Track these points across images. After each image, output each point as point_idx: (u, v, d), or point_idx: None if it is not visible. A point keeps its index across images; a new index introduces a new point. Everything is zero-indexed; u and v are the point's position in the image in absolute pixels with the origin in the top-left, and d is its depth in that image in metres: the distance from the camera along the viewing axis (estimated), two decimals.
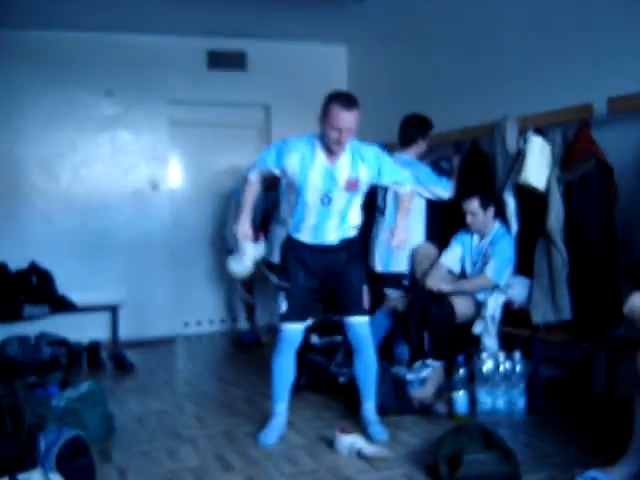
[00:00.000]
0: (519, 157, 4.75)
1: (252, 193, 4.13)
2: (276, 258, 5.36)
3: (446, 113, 6.04)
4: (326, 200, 3.92)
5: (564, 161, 4.53)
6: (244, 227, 4.06)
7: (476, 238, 5.02)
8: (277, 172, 3.99)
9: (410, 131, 5.38)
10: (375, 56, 7.71)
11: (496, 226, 4.93)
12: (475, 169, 5.41)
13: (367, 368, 4.21)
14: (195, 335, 7.81)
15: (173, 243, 7.66)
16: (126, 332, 7.22)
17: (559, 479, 3.41)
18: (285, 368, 4.13)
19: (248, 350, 6.76)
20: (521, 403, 4.44)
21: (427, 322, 4.77)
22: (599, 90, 4.54)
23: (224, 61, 7.72)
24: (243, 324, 7.72)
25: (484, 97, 5.81)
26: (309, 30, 7.43)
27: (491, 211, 4.89)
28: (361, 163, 3.92)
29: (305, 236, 4.05)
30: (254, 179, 4.10)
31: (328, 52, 8.10)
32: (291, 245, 4.12)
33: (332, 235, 4.03)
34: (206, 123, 7.82)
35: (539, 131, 4.84)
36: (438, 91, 6.44)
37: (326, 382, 4.97)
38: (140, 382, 5.70)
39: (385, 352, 5.38)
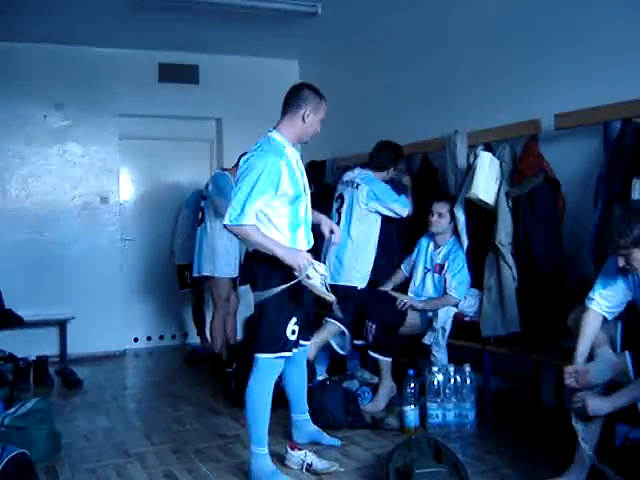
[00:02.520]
0: (469, 172, 4.81)
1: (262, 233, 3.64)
2: None
3: (397, 128, 6.09)
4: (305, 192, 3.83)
5: (513, 176, 4.59)
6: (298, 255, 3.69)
7: (432, 245, 5.06)
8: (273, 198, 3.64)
9: (383, 156, 5.36)
10: (327, 71, 7.74)
11: (452, 240, 4.99)
12: (426, 184, 5.46)
13: (305, 379, 4.26)
14: (145, 350, 7.72)
15: (123, 257, 7.58)
16: (75, 348, 7.11)
17: None
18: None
19: (198, 366, 6.69)
20: (471, 416, 4.47)
21: (378, 313, 4.84)
22: (546, 106, 4.62)
23: (176, 74, 7.68)
24: (194, 339, 7.65)
25: (435, 112, 5.87)
26: (261, 44, 7.43)
27: (453, 223, 4.95)
28: None
29: (303, 244, 3.84)
30: (253, 221, 3.60)
31: (280, 66, 8.11)
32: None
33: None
34: (157, 136, 7.77)
35: (488, 146, 4.92)
36: (389, 106, 6.49)
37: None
38: (88, 399, 5.61)
39: (335, 367, 5.39)
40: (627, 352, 3.32)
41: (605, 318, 3.45)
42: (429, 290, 5.05)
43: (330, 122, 4.00)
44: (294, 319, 3.67)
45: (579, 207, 4.48)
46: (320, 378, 5.05)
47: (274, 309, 3.64)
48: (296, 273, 3.64)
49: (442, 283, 4.96)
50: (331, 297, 3.81)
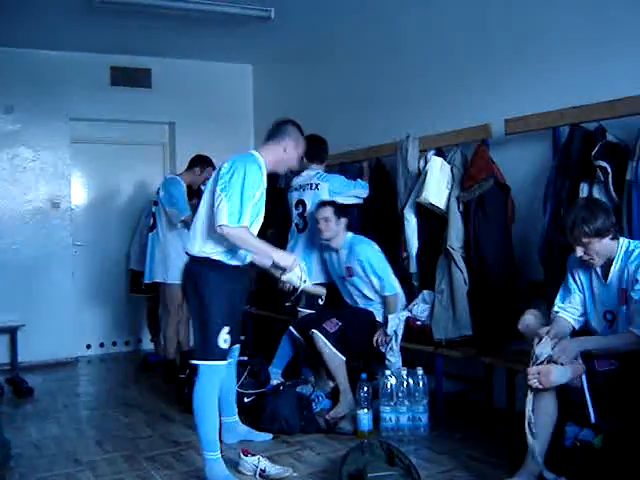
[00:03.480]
0: (420, 176, 4.85)
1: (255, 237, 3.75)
2: None
3: (351, 132, 6.13)
4: None
5: (463, 181, 4.64)
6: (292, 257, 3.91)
7: (333, 254, 5.10)
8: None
9: (322, 148, 5.44)
10: (281, 75, 7.75)
11: (349, 236, 5.02)
12: (379, 187, 5.49)
13: (234, 381, 4.33)
14: (98, 357, 7.63)
15: (74, 263, 7.47)
16: (26, 355, 6.99)
17: None
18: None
19: (152, 372, 6.62)
20: (424, 419, 4.48)
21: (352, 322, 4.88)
22: (497, 112, 4.69)
23: (128, 78, 7.61)
24: (148, 346, 7.58)
25: (387, 117, 5.90)
26: (215, 48, 7.40)
27: (343, 222, 4.95)
28: None
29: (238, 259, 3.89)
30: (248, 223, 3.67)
31: (234, 70, 8.11)
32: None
33: None
34: (109, 140, 7.70)
35: (440, 151, 4.97)
36: (342, 111, 6.51)
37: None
38: (39, 407, 5.52)
39: (290, 371, 5.38)
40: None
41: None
42: (356, 294, 5.07)
43: None
44: (226, 328, 3.69)
45: (529, 211, 4.54)
46: (275, 382, 5.03)
47: (207, 318, 3.68)
48: (285, 276, 3.83)
49: (365, 282, 4.97)
50: (323, 290, 4.28)
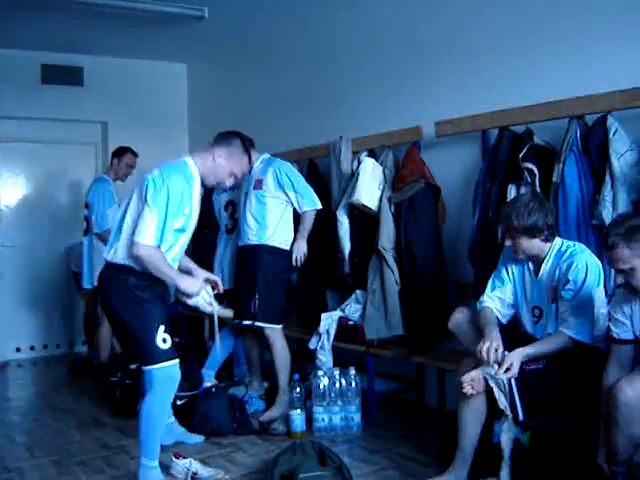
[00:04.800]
0: (352, 178, 4.88)
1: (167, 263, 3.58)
2: None
3: (285, 133, 6.13)
4: None
5: (395, 182, 4.69)
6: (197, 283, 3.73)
7: None
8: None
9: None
10: (215, 75, 7.71)
11: (266, 155, 4.88)
12: (313, 188, 5.48)
13: None
14: (29, 360, 7.45)
15: (3, 264, 7.30)
16: None
17: None
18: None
19: (84, 375, 6.51)
20: (357, 418, 4.51)
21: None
22: (428, 114, 4.75)
23: (60, 76, 7.44)
24: (80, 348, 7.46)
25: (321, 118, 5.92)
26: (149, 47, 7.31)
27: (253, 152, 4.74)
28: None
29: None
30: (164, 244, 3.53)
31: (168, 69, 8.02)
32: None
33: None
34: (39, 139, 7.50)
35: (372, 152, 5.01)
36: (276, 111, 6.51)
37: None
38: None
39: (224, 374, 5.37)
40: (505, 352, 3.43)
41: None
42: (250, 215, 4.78)
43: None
44: (162, 327, 3.56)
45: (459, 212, 4.61)
46: (208, 384, 5.00)
47: (141, 321, 3.55)
48: (191, 301, 3.69)
49: (270, 197, 4.73)
50: (231, 312, 3.98)
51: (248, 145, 3.93)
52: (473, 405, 3.34)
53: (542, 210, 3.33)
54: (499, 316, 3.58)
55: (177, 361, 3.60)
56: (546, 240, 3.37)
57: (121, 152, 6.26)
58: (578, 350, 3.27)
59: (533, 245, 3.35)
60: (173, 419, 4.28)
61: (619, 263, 2.77)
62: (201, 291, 3.70)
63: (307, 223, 4.73)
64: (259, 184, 4.68)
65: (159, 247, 3.46)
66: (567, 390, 3.34)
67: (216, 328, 3.85)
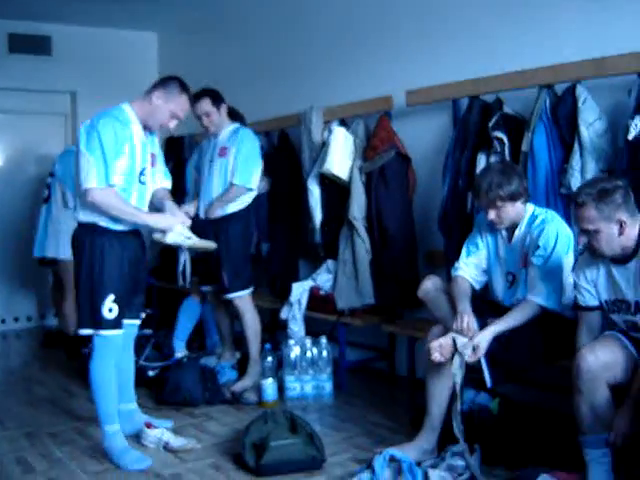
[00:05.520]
0: (323, 147, 4.87)
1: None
2: None
3: (256, 102, 6.07)
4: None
5: (366, 151, 4.69)
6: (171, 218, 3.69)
7: (211, 140, 4.79)
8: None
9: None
10: (186, 43, 7.62)
11: (236, 125, 4.74)
12: (284, 158, 5.49)
13: (132, 363, 4.04)
14: None
15: None
16: None
17: (362, 459, 3.50)
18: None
19: (55, 348, 6.47)
20: (328, 387, 4.55)
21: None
22: (399, 83, 4.74)
23: (27, 45, 7.30)
24: (51, 321, 7.41)
25: (292, 88, 5.88)
26: (119, 15, 7.19)
27: (223, 109, 4.68)
28: None
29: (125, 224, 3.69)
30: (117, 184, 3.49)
31: (138, 38, 7.90)
32: None
33: None
34: (7, 110, 7.39)
35: (343, 122, 5.00)
36: (248, 80, 6.45)
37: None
38: None
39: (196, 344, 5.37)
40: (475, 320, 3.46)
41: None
42: (214, 181, 4.67)
43: None
44: (112, 296, 3.53)
45: (429, 181, 4.62)
46: (179, 355, 5.01)
47: (90, 286, 3.54)
48: (167, 238, 3.64)
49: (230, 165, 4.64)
50: (213, 244, 3.88)
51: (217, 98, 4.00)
52: (442, 372, 3.36)
53: (517, 173, 3.38)
54: (473, 283, 3.60)
55: (119, 332, 3.60)
56: (525, 202, 3.41)
57: None
58: (546, 316, 3.31)
59: (516, 209, 3.37)
60: (134, 405, 4.06)
61: (585, 222, 2.79)
62: (174, 226, 3.65)
63: (229, 195, 4.57)
64: (224, 151, 4.61)
65: (113, 187, 3.43)
66: (535, 356, 3.38)
67: (188, 269, 3.85)
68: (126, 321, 3.73)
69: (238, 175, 4.52)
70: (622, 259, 2.85)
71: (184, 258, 3.94)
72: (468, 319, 3.30)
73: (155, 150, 3.81)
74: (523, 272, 3.42)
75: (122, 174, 3.49)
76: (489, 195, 3.32)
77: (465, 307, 3.39)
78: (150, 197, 3.78)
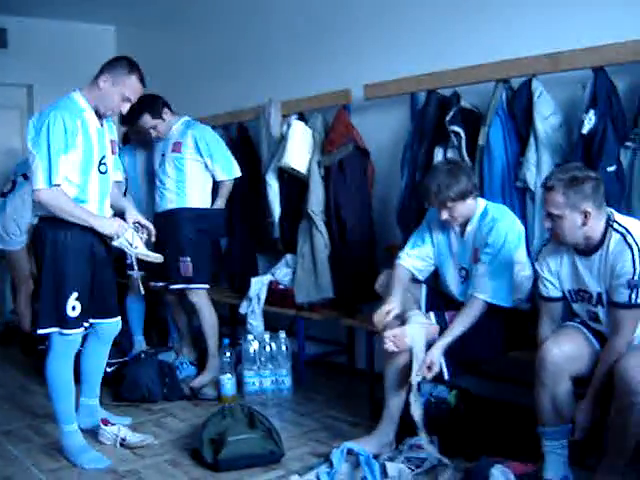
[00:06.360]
0: (282, 141, 4.85)
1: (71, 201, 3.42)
2: None
3: (215, 96, 6.06)
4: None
5: (324, 145, 4.68)
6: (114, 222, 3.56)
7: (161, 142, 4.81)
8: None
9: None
10: (144, 37, 7.53)
11: (185, 118, 4.77)
12: (242, 152, 5.45)
13: (104, 361, 3.99)
14: None
15: None
16: None
17: (320, 452, 3.51)
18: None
19: (12, 344, 6.37)
20: (287, 382, 4.55)
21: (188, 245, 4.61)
22: (357, 77, 4.73)
23: None
24: (8, 316, 7.29)
25: (250, 81, 5.85)
26: (76, 8, 7.07)
27: (167, 113, 4.69)
28: None
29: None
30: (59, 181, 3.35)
31: (96, 32, 7.77)
32: None
33: None
34: None
35: (302, 116, 4.99)
36: (206, 74, 6.41)
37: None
38: None
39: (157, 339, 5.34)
40: (432, 312, 3.49)
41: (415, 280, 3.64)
42: (167, 178, 4.68)
43: (147, 89, 3.87)
44: (75, 294, 3.46)
45: (388, 175, 4.63)
46: (140, 348, 4.98)
47: (53, 283, 3.45)
48: (114, 243, 3.53)
49: (189, 159, 4.63)
50: (159, 258, 3.72)
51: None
52: (398, 364, 3.38)
53: (464, 171, 3.39)
54: (415, 273, 3.63)
55: (79, 331, 3.53)
56: (475, 197, 3.43)
57: None
58: (502, 308, 3.35)
59: (467, 206, 3.39)
60: (96, 402, 4.00)
61: (551, 207, 2.81)
62: (122, 232, 3.53)
63: (224, 192, 4.68)
64: (177, 147, 4.59)
65: (58, 187, 3.33)
66: (492, 348, 3.41)
67: (135, 268, 3.75)
68: (102, 320, 3.72)
69: (221, 171, 4.63)
70: (586, 250, 2.88)
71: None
72: (385, 306, 3.40)
73: (114, 136, 3.72)
74: (474, 268, 3.44)
75: (77, 168, 3.41)
76: (439, 197, 3.34)
77: (394, 295, 3.47)
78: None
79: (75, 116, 3.39)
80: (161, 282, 4.72)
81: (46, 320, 3.47)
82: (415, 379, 3.27)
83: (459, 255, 3.55)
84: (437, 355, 3.28)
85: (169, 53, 7.02)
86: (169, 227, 4.46)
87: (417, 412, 3.30)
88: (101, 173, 3.55)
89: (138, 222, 3.69)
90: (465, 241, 3.50)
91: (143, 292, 3.94)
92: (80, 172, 3.44)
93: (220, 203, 4.72)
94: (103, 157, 3.56)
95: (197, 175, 4.63)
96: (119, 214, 3.73)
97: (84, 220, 3.42)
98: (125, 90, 3.49)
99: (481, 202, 3.48)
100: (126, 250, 3.59)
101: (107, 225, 3.50)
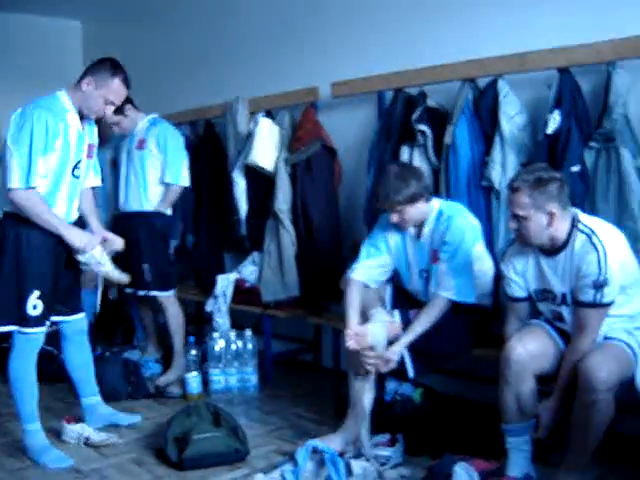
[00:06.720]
0: (249, 138, 4.84)
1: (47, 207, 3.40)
2: None
3: (181, 92, 6.03)
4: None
5: (292, 143, 4.67)
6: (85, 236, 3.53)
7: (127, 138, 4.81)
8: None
9: None
10: (111, 32, 7.46)
11: (151, 116, 4.75)
12: (209, 149, 5.44)
13: (89, 356, 3.95)
14: None
15: None
16: None
17: (286, 451, 3.51)
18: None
19: None
20: (254, 380, 4.54)
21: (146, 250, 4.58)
22: (325, 75, 4.73)
23: None
24: None
25: (218, 78, 5.83)
26: (41, 3, 7.00)
27: (129, 109, 4.63)
28: None
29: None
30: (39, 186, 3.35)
31: (61, 26, 7.69)
32: None
33: None
34: None
35: (269, 113, 4.98)
36: (174, 69, 6.38)
37: (54, 371, 4.74)
38: None
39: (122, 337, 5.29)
40: (396, 310, 3.50)
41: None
42: (133, 174, 4.67)
43: None
44: (36, 292, 3.41)
45: (355, 173, 4.64)
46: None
47: (13, 278, 3.41)
48: (80, 257, 3.50)
49: (151, 158, 4.62)
50: (126, 278, 3.71)
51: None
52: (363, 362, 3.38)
53: (413, 175, 3.39)
54: (370, 284, 3.63)
55: (41, 330, 3.50)
56: (427, 200, 3.43)
57: None
58: (465, 305, 3.37)
59: (418, 209, 3.40)
60: (97, 398, 3.97)
61: (516, 208, 2.83)
62: (90, 247, 3.49)
63: (169, 196, 4.59)
64: (142, 144, 4.56)
65: (34, 190, 3.30)
66: (457, 345, 3.43)
67: (99, 287, 3.72)
68: (66, 318, 3.71)
69: (171, 174, 4.55)
70: (551, 251, 2.90)
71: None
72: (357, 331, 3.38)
73: (93, 140, 3.68)
74: (435, 268, 3.46)
75: (51, 170, 3.37)
76: (388, 201, 3.36)
77: (353, 318, 3.49)
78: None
79: (58, 118, 3.36)
80: (129, 289, 4.67)
81: (4, 318, 3.43)
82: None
83: (416, 258, 3.56)
84: (397, 352, 3.30)
85: (136, 49, 6.95)
86: (129, 232, 4.37)
87: (367, 399, 3.34)
88: (74, 177, 3.53)
89: (106, 238, 3.67)
90: (422, 243, 3.51)
91: (99, 310, 3.99)
92: (53, 175, 3.41)
93: (165, 205, 4.60)
94: (79, 162, 3.54)
95: (158, 175, 4.59)
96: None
97: (54, 227, 3.39)
98: (108, 94, 3.46)
99: (435, 203, 3.49)
100: (92, 267, 3.57)
101: (77, 238, 3.46)
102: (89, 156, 3.64)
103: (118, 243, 3.73)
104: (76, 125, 3.48)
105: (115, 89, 3.47)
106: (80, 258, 3.51)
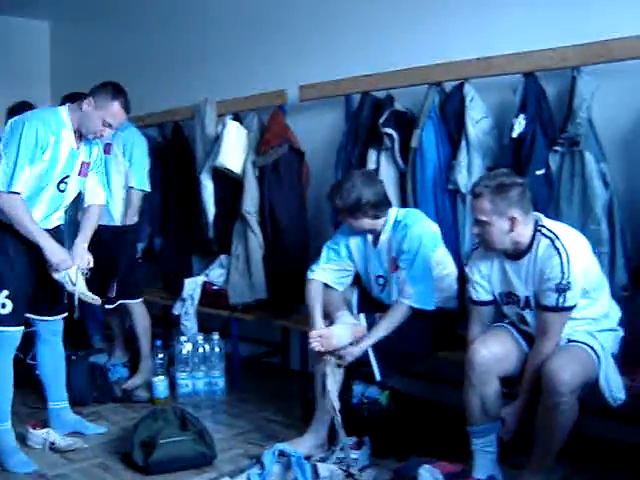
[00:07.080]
0: (217, 141, 4.83)
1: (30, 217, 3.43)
2: None
3: (149, 94, 5.96)
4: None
5: (259, 146, 4.67)
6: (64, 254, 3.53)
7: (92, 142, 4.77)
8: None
9: None
10: (79, 33, 7.39)
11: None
12: (177, 152, 5.41)
13: (61, 360, 3.93)
14: None
15: None
16: None
17: (252, 454, 3.51)
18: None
19: None
20: (221, 383, 4.52)
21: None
22: (293, 78, 4.72)
23: None
24: None
25: (186, 80, 5.79)
26: (7, 2, 6.91)
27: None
28: None
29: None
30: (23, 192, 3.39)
31: (29, 27, 7.59)
32: None
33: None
34: None
35: (237, 116, 4.97)
36: (142, 71, 6.32)
37: (20, 375, 4.68)
38: None
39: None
40: (362, 314, 3.51)
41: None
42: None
43: (82, 87, 3.81)
44: (5, 292, 3.41)
45: (322, 176, 4.63)
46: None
47: None
48: (55, 275, 3.50)
49: (118, 164, 4.59)
50: (97, 300, 3.71)
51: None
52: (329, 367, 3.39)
53: (367, 187, 3.39)
54: (332, 285, 3.66)
55: (13, 329, 3.47)
56: (375, 217, 3.44)
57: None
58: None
59: (362, 224, 3.44)
60: (66, 404, 3.94)
61: (478, 213, 2.85)
62: (64, 266, 3.49)
63: (134, 202, 4.55)
64: (108, 148, 4.50)
65: (18, 195, 3.33)
66: (423, 347, 3.45)
67: (75, 304, 3.67)
68: (44, 318, 3.71)
69: (135, 180, 4.52)
70: (515, 255, 2.93)
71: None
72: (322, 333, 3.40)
73: (90, 159, 3.68)
74: (394, 276, 3.48)
75: (34, 179, 3.40)
76: (332, 204, 3.47)
77: (317, 318, 3.53)
78: (79, 209, 3.76)
79: (50, 131, 3.41)
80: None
81: None
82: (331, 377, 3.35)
83: (373, 264, 3.59)
84: (353, 353, 3.34)
85: (104, 50, 6.91)
86: (99, 247, 4.31)
87: (334, 384, 3.35)
88: (59, 191, 3.55)
89: (83, 257, 3.64)
90: (379, 250, 3.54)
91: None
92: (35, 184, 3.44)
93: (132, 215, 4.57)
94: (67, 177, 3.55)
95: (121, 180, 4.56)
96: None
97: (33, 237, 3.41)
98: (106, 115, 3.51)
99: (392, 211, 3.51)
100: (65, 286, 3.56)
101: (55, 254, 3.47)
102: (83, 174, 3.66)
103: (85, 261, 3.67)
104: (69, 141, 3.52)
105: (114, 112, 3.53)
106: (55, 275, 3.51)
